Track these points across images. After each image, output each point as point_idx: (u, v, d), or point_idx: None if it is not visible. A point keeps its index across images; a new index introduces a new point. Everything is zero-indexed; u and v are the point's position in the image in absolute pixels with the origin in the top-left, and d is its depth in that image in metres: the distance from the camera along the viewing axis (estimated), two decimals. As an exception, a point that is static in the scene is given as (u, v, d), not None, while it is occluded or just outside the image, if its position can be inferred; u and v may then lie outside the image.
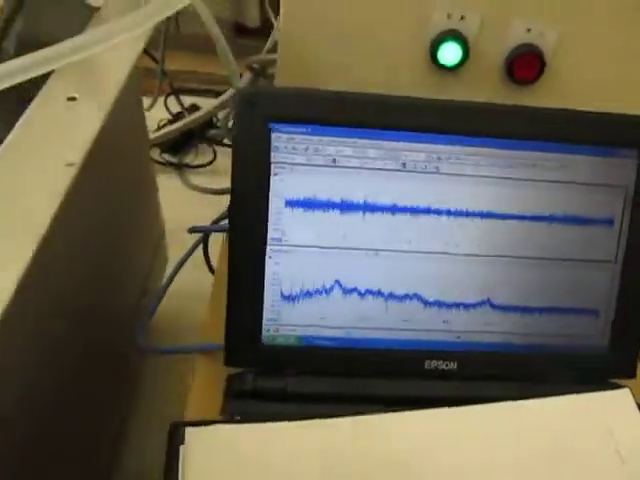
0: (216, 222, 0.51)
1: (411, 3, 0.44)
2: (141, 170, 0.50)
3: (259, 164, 0.34)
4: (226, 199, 0.68)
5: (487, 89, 0.47)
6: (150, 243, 0.52)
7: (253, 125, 0.34)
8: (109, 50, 0.29)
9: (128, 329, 0.46)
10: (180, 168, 0.80)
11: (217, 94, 0.82)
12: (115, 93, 0.29)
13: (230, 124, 0.78)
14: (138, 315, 0.49)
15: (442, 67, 0.46)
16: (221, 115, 0.76)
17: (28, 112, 0.28)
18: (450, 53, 0.45)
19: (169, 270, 0.49)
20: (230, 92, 0.72)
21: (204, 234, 0.50)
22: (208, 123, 0.81)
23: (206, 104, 0.78)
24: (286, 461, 0.32)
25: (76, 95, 0.29)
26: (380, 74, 0.47)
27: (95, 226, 0.34)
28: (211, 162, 0.81)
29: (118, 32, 0.27)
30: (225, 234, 0.48)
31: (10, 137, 0.27)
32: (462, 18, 0.44)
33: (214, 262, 0.50)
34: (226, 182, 0.85)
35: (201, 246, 0.49)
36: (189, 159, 0.81)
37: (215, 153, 0.81)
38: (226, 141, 0.82)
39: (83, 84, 0.29)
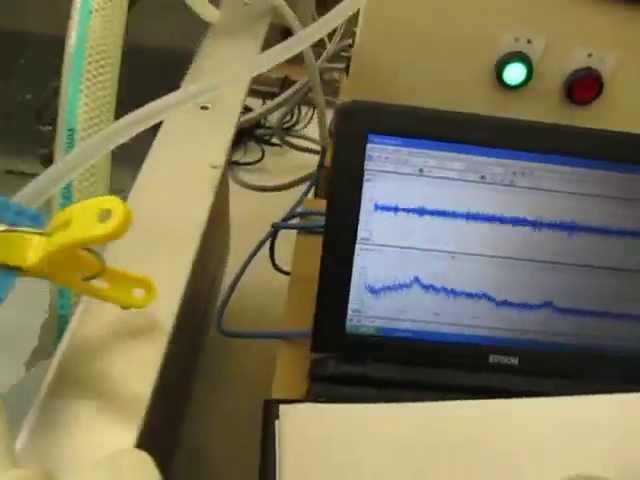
0: (285, 220, 0.55)
1: (482, 25, 0.48)
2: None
3: (354, 171, 0.38)
4: (275, 196, 0.72)
5: (546, 107, 0.51)
6: (222, 234, 0.56)
7: (351, 135, 0.38)
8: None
9: (203, 315, 0.50)
10: (229, 165, 0.84)
11: (263, 94, 0.85)
12: (240, 103, 0.33)
13: (279, 124, 0.82)
14: (210, 303, 0.53)
15: (506, 86, 0.49)
16: (275, 116, 0.79)
17: (166, 120, 0.32)
18: (515, 73, 0.49)
19: (233, 262, 0.52)
20: (285, 95, 0.75)
21: (274, 231, 0.54)
22: (257, 123, 0.85)
23: (253, 104, 0.81)
24: (373, 440, 0.36)
25: (208, 105, 0.33)
26: (446, 90, 0.51)
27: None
28: (259, 160, 0.85)
29: (246, 72, 0.29)
30: (297, 232, 0.52)
31: (156, 142, 0.30)
32: (529, 41, 0.48)
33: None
34: (273, 180, 0.89)
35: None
36: (238, 156, 0.85)
37: (263, 152, 0.85)
38: (274, 140, 0.86)
39: (217, 97, 0.33)
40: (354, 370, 0.40)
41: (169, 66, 0.46)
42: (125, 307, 0.23)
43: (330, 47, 0.70)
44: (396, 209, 0.39)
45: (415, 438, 0.36)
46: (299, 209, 0.57)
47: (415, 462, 0.35)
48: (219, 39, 0.38)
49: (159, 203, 0.27)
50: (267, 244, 0.54)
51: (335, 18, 0.30)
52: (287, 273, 0.59)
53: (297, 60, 0.40)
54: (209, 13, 0.39)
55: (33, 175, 0.53)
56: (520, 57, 0.48)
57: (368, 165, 0.38)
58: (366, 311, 0.40)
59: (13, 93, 0.50)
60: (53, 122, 0.52)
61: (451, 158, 0.38)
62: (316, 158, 0.87)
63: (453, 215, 0.39)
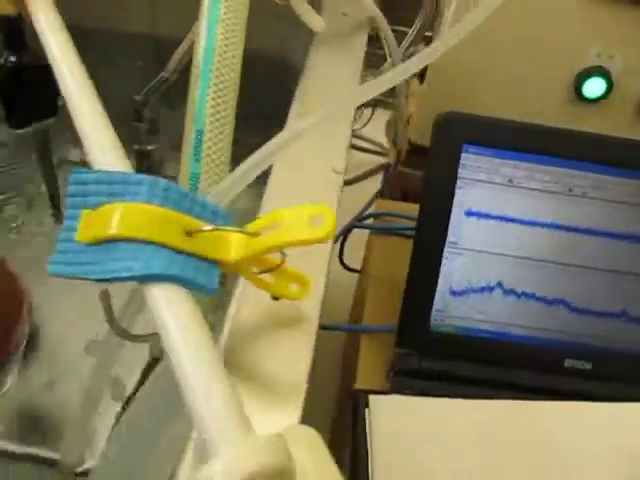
0: (359, 220, 0.57)
1: (566, 40, 0.49)
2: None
3: (448, 178, 0.40)
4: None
5: (621, 122, 0.52)
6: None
7: (447, 144, 0.40)
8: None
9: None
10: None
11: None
12: (351, 110, 0.35)
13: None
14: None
15: (584, 99, 0.51)
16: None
17: (288, 123, 0.34)
18: (595, 87, 0.50)
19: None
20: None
21: (347, 229, 0.56)
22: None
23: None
24: (457, 432, 0.38)
25: (323, 111, 0.35)
26: (524, 102, 0.53)
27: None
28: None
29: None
30: (370, 232, 0.55)
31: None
32: (611, 57, 0.49)
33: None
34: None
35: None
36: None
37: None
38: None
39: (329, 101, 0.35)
40: (435, 366, 0.42)
41: (270, 72, 0.48)
42: (276, 298, 0.25)
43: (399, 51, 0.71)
44: (485, 216, 0.41)
45: (499, 434, 0.39)
46: (370, 210, 0.60)
47: (497, 457, 0.38)
48: (323, 50, 0.40)
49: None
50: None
51: (445, 43, 0.32)
52: (354, 270, 0.61)
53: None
54: (315, 22, 0.41)
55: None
56: (601, 72, 0.50)
57: (461, 173, 0.40)
58: (449, 311, 0.42)
59: (110, 90, 0.53)
60: (149, 120, 0.55)
61: (540, 170, 0.40)
62: (373, 158, 0.90)
63: (538, 224, 0.41)
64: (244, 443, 0.15)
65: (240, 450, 0.15)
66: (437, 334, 0.42)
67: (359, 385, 0.43)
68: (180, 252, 0.19)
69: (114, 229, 0.19)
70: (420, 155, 0.59)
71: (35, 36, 0.37)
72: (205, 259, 0.20)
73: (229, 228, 0.20)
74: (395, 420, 0.38)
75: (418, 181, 0.63)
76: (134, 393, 0.39)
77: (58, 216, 0.41)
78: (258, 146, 0.37)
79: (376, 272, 0.50)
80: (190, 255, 0.19)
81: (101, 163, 0.22)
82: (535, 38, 0.50)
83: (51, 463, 0.35)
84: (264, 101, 0.48)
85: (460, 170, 0.40)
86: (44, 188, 0.41)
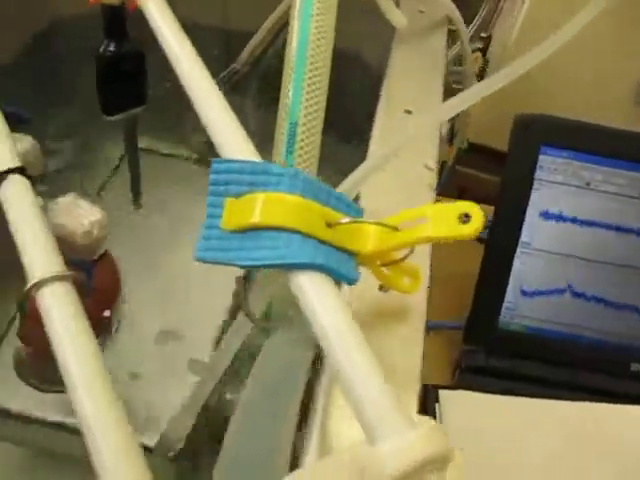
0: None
1: (630, 46, 0.49)
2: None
3: (524, 179, 0.40)
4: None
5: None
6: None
7: (525, 145, 0.40)
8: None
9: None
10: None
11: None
12: (437, 126, 0.36)
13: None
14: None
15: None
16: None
17: (377, 121, 0.35)
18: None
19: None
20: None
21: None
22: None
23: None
24: (525, 430, 0.38)
25: (411, 109, 0.35)
26: (588, 106, 0.53)
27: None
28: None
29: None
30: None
31: (372, 144, 0.33)
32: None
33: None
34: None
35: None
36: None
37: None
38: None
39: (416, 100, 0.36)
40: (501, 364, 0.42)
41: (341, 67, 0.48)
42: (384, 290, 0.26)
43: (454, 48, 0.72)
44: (559, 218, 0.41)
45: (566, 434, 0.39)
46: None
47: (564, 457, 0.38)
48: (404, 48, 0.40)
49: (389, 203, 0.30)
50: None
51: (538, 56, 0.32)
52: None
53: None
54: (398, 19, 0.41)
55: (189, 159, 0.57)
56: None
57: (538, 175, 0.40)
58: (518, 310, 0.42)
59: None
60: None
61: (617, 174, 0.40)
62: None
63: (612, 228, 0.41)
64: (412, 430, 0.16)
65: (407, 437, 0.16)
66: (505, 332, 0.43)
67: (424, 380, 0.43)
68: (322, 242, 0.20)
69: (261, 217, 0.20)
70: (477, 153, 0.60)
71: (133, 25, 0.38)
72: (344, 250, 0.20)
73: (368, 221, 0.21)
74: (465, 416, 0.39)
75: (474, 179, 0.64)
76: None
77: (138, 202, 0.42)
78: (335, 143, 0.38)
79: (440, 269, 0.51)
80: (331, 246, 0.20)
81: (234, 154, 0.22)
82: (606, 36, 0.50)
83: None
84: (341, 98, 0.48)
85: (537, 172, 0.40)
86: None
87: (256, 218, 0.20)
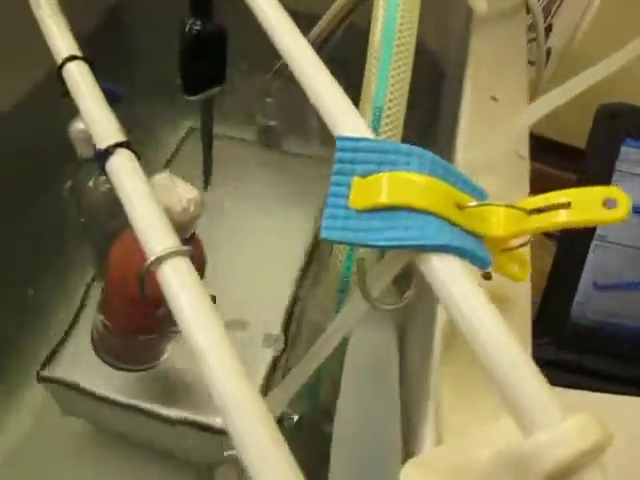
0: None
1: None
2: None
3: (604, 169, 0.40)
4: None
5: None
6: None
7: (608, 135, 0.39)
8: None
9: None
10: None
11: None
12: (525, 95, 0.35)
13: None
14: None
15: None
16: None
17: (463, 109, 0.34)
18: None
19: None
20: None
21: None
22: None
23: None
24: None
25: (497, 96, 0.35)
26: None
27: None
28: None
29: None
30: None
31: (460, 131, 0.33)
32: None
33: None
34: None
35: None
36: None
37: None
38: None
39: (502, 87, 0.35)
40: (571, 358, 0.42)
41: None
42: (486, 278, 0.25)
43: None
44: (637, 211, 0.40)
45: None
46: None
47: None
48: (484, 36, 0.40)
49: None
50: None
51: (624, 56, 0.31)
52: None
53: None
54: (478, 4, 0.40)
55: (250, 142, 0.56)
56: None
57: (618, 166, 0.39)
58: (590, 304, 0.42)
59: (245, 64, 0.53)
60: (275, 94, 0.55)
61: (700, 168, 0.39)
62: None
63: (692, 223, 0.40)
64: (569, 419, 0.16)
65: (565, 427, 0.15)
66: (577, 326, 0.42)
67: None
68: (454, 224, 0.19)
69: (393, 197, 0.19)
70: (534, 143, 0.59)
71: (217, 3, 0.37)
72: (473, 233, 0.20)
73: (500, 203, 0.20)
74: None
75: (532, 170, 0.63)
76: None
77: (208, 182, 0.42)
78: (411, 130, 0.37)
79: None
80: (462, 228, 0.20)
81: (351, 132, 0.22)
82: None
83: (205, 427, 0.36)
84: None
85: (618, 163, 0.39)
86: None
87: (389, 198, 0.19)
